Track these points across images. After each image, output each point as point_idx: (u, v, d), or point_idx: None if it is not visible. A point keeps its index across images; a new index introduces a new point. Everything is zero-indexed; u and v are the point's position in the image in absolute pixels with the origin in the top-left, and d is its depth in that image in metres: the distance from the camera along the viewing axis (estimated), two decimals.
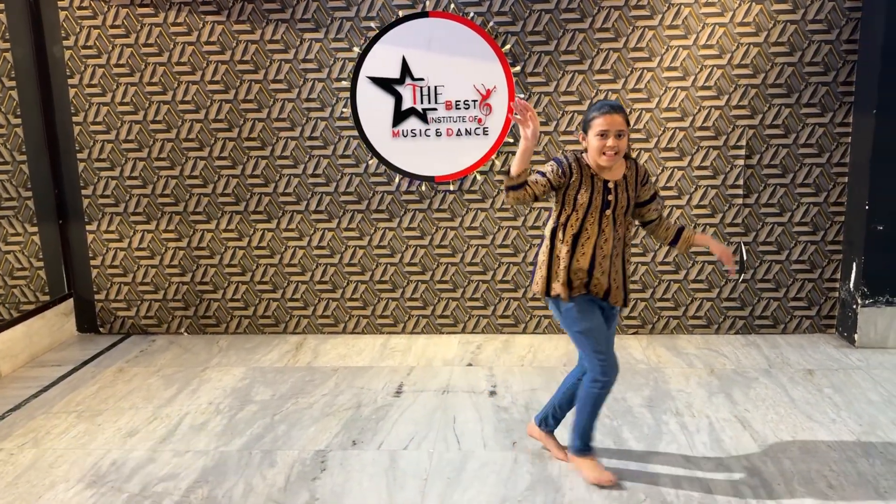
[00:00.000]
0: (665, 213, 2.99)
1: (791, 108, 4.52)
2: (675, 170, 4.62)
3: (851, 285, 4.52)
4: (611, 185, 2.87)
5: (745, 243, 4.68)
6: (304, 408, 3.83)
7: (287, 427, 3.61)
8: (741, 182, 4.61)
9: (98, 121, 4.90)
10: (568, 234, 2.87)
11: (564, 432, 3.23)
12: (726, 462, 3.15)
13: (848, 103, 4.49)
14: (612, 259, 2.90)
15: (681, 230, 3.02)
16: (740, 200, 4.64)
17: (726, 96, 4.53)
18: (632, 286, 2.84)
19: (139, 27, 4.77)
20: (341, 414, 3.74)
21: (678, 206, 4.66)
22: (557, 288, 2.88)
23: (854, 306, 4.50)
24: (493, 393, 3.96)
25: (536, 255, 3.02)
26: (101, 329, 5.19)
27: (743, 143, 4.56)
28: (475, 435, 3.47)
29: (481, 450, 3.33)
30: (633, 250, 4.73)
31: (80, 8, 4.77)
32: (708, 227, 4.68)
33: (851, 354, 4.36)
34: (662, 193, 4.65)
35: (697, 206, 4.66)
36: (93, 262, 5.10)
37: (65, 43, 4.82)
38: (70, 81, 4.87)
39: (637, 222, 3.08)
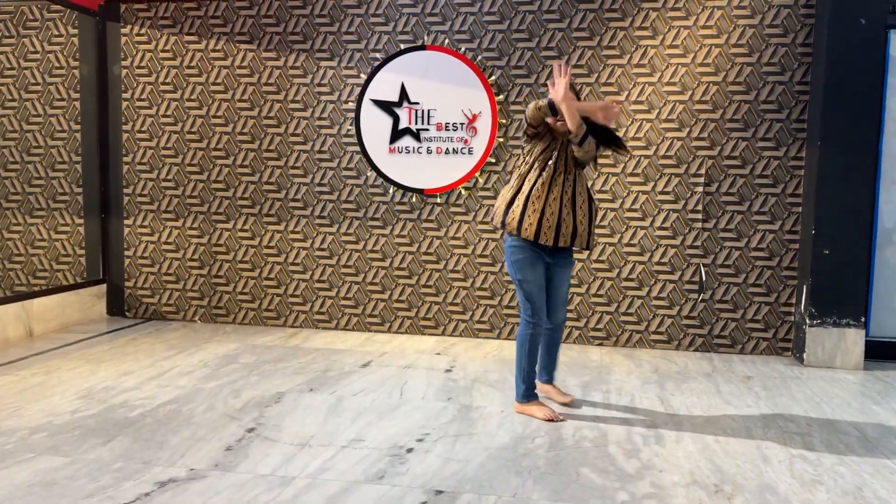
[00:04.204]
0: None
1: (748, 141, 4.96)
2: (640, 193, 5.08)
3: (802, 307, 4.81)
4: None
5: (704, 265, 5.05)
6: (279, 369, 4.33)
7: (259, 378, 4.12)
8: (700, 207, 5.02)
9: (143, 130, 5.71)
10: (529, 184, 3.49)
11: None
12: (630, 420, 3.49)
13: (801, 139, 4.90)
14: (569, 203, 3.43)
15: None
16: (699, 224, 5.04)
17: (687, 128, 5.01)
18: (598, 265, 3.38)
19: (184, 52, 5.61)
20: (309, 374, 4.23)
21: (642, 227, 5.10)
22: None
23: (804, 327, 4.78)
24: (448, 371, 4.39)
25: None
26: (127, 313, 5.86)
27: (702, 171, 5.00)
28: (418, 392, 3.91)
29: (419, 400, 3.76)
30: (599, 266, 5.16)
31: (137, 34, 5.66)
32: (669, 247, 5.08)
33: (797, 370, 4.62)
34: (627, 214, 5.11)
35: (660, 228, 5.07)
36: (126, 253, 5.81)
37: (123, 63, 5.70)
38: (124, 95, 5.72)
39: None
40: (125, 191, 5.78)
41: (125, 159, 5.76)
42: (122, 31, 5.68)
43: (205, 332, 5.35)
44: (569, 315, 5.22)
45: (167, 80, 5.66)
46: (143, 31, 5.66)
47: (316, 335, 5.33)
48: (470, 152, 5.25)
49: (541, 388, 3.74)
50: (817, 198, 4.69)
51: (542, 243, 3.38)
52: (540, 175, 3.39)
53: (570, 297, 5.23)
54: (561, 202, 3.37)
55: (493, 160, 5.24)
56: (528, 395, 3.58)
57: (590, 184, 5.13)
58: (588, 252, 3.46)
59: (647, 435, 3.31)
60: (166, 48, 5.64)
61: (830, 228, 4.68)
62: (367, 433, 3.25)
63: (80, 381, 3.99)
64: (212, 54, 5.58)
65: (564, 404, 3.64)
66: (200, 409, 3.55)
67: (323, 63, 5.44)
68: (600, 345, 5.20)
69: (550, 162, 3.40)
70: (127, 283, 5.84)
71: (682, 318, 5.11)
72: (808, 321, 4.74)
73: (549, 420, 3.43)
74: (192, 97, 5.63)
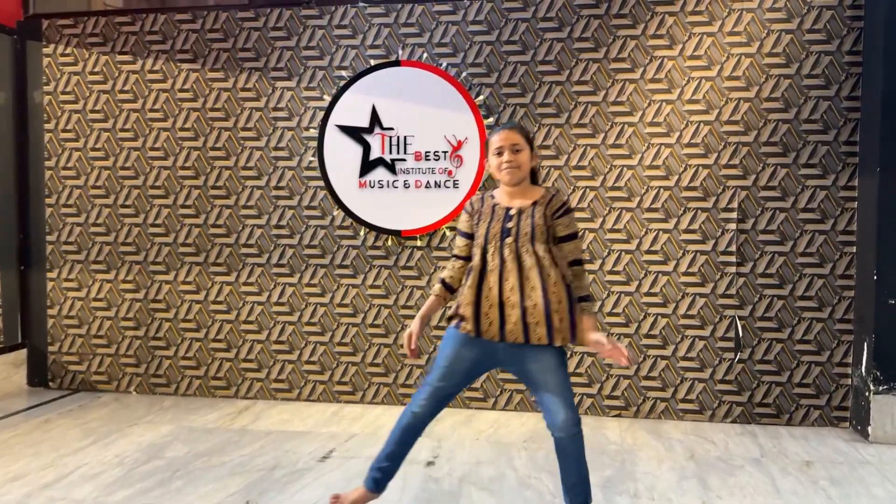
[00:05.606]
0: (583, 272, 2.64)
1: (788, 168, 4.11)
2: (661, 232, 4.21)
3: (863, 369, 3.93)
4: (512, 212, 2.61)
5: (741, 318, 4.17)
6: (213, 466, 3.40)
7: (183, 483, 3.18)
8: (734, 248, 4.16)
9: (69, 166, 4.83)
10: (473, 270, 2.64)
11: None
12: None
13: (852, 164, 4.06)
14: (527, 292, 2.53)
15: (582, 300, 2.60)
16: (733, 269, 4.17)
17: (715, 154, 4.16)
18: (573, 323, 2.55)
19: (117, 74, 4.76)
20: (250, 475, 3.29)
21: (664, 273, 4.22)
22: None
23: (867, 394, 3.89)
24: (430, 463, 3.47)
25: None
26: (50, 384, 4.91)
27: (735, 205, 4.14)
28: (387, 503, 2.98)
29: None
30: (613, 320, 4.27)
31: (62, 55, 4.80)
32: (698, 297, 4.20)
33: (863, 449, 3.72)
34: (646, 258, 4.23)
35: (686, 274, 4.20)
36: (50, 312, 4.89)
37: (45, 88, 4.84)
38: (46, 126, 4.85)
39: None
40: (48, 238, 4.87)
41: (48, 201, 4.86)
42: (45, 51, 4.83)
43: (138, 409, 4.41)
44: (580, 381, 4.31)
45: (97, 108, 4.78)
46: (68, 50, 4.80)
47: (271, 410, 4.39)
48: (455, 185, 4.38)
49: None
50: (878, 236, 3.84)
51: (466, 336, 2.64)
52: (484, 258, 2.63)
53: (579, 357, 4.32)
54: (501, 288, 2.56)
55: None
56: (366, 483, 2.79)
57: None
58: (567, 345, 2.59)
59: None
60: (96, 70, 4.78)
61: (895, 272, 3.83)
62: None
63: None
64: (149, 76, 4.72)
65: None
66: None
67: (279, 84, 4.58)
68: (618, 416, 4.29)
69: (508, 240, 2.57)
70: (51, 348, 4.90)
71: (716, 383, 4.21)
72: (871, 386, 3.85)
73: None
74: (126, 127, 4.76)
